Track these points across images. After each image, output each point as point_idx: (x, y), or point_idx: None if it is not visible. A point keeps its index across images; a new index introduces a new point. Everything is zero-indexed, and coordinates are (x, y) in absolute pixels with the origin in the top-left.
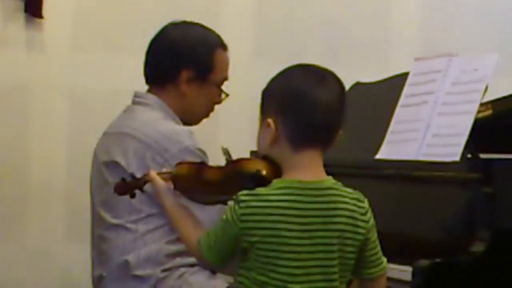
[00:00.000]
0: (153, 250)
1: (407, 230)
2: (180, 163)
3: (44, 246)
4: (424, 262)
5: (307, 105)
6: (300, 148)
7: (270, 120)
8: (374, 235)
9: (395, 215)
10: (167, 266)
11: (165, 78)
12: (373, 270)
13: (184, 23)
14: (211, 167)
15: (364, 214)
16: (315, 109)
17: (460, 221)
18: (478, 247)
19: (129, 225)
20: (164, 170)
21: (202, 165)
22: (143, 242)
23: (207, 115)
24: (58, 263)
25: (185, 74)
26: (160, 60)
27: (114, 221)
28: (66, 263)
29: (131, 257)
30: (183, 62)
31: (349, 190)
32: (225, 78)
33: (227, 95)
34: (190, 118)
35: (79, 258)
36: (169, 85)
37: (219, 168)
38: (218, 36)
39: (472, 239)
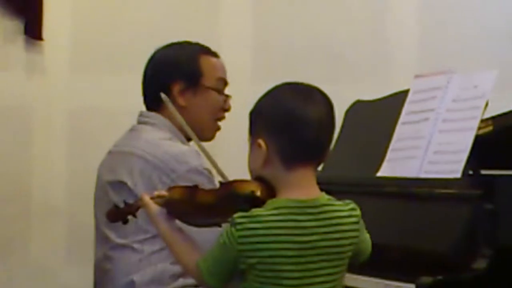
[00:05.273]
0: (158, 271)
1: (409, 247)
2: (173, 187)
3: (46, 265)
4: (426, 279)
5: (297, 123)
6: (293, 166)
7: (261, 141)
8: (363, 233)
9: (397, 233)
10: (171, 286)
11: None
12: (364, 256)
13: (167, 44)
14: (204, 190)
15: (357, 222)
16: (305, 126)
17: (462, 238)
18: (480, 264)
19: (135, 245)
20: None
21: (195, 188)
22: (148, 262)
23: (217, 126)
24: (59, 282)
25: (176, 88)
26: (150, 84)
27: (119, 240)
28: (68, 282)
29: (136, 277)
30: (170, 77)
31: (342, 203)
32: (224, 82)
33: (228, 96)
34: (200, 132)
35: (80, 277)
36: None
37: (212, 190)
38: (201, 44)
39: (474, 255)
